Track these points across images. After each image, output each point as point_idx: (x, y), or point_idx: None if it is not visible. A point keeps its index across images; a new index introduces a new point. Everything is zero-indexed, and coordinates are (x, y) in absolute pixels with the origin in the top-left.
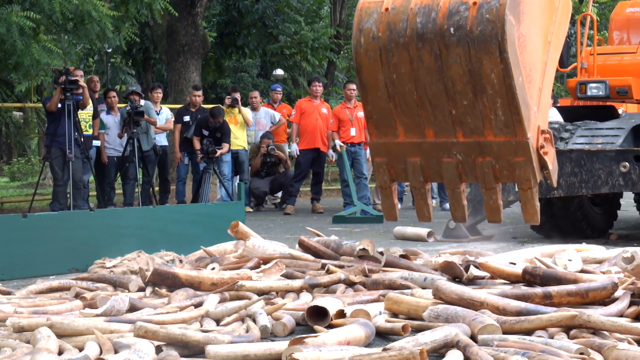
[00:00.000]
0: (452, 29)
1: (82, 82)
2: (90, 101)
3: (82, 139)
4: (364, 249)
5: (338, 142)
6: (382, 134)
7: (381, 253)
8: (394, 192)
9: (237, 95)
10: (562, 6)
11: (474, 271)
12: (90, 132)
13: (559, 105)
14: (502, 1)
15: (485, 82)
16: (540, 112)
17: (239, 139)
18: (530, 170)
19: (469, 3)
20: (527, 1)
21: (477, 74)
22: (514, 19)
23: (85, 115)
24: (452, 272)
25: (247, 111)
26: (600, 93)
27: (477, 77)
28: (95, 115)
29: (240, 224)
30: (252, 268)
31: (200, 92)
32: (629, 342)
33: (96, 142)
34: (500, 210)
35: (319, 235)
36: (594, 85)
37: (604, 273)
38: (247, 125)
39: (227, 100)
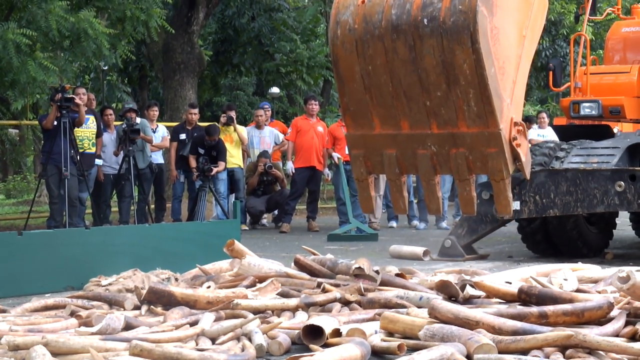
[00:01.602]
0: (425, 20)
1: (78, 100)
2: (91, 119)
3: (78, 157)
4: (359, 267)
5: (335, 155)
6: (358, 126)
7: (377, 272)
8: (371, 184)
9: (233, 114)
10: (538, 1)
11: (470, 290)
12: (93, 150)
13: (554, 124)
14: None
15: (458, 73)
16: (513, 105)
17: (235, 157)
18: (502, 162)
19: None
20: None
21: (450, 65)
22: (486, 11)
23: (88, 133)
24: (447, 291)
25: (242, 129)
26: (594, 112)
27: (450, 68)
28: (99, 134)
29: (236, 242)
30: (247, 286)
31: (196, 110)
32: None
33: (99, 162)
34: (474, 202)
35: (314, 254)
36: (587, 104)
37: (599, 292)
38: (242, 144)
39: (222, 119)
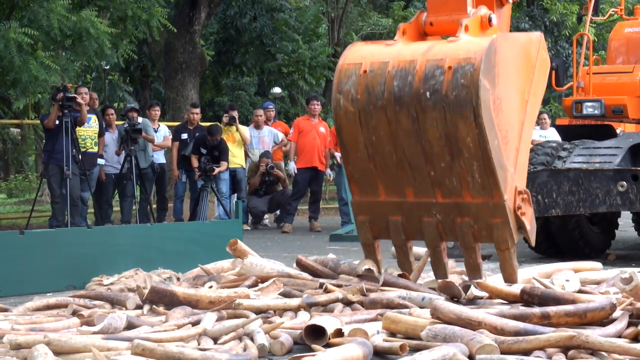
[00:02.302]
0: (428, 93)
1: (80, 99)
2: (93, 118)
3: (79, 156)
4: (369, 269)
5: (338, 155)
6: (363, 193)
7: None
8: (377, 248)
9: (235, 114)
10: (540, 64)
11: (473, 291)
12: (95, 149)
13: (557, 124)
14: (476, 66)
15: (462, 146)
16: (517, 173)
17: (237, 157)
18: (507, 232)
19: (444, 67)
20: (503, 63)
21: (454, 138)
22: (488, 83)
23: (91, 132)
24: (450, 291)
25: (244, 129)
26: (596, 112)
27: (453, 141)
28: (101, 133)
29: (239, 241)
30: (249, 286)
31: (198, 110)
32: None
33: (101, 161)
34: (480, 269)
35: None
36: (589, 104)
37: (602, 293)
38: (244, 144)
39: (225, 119)
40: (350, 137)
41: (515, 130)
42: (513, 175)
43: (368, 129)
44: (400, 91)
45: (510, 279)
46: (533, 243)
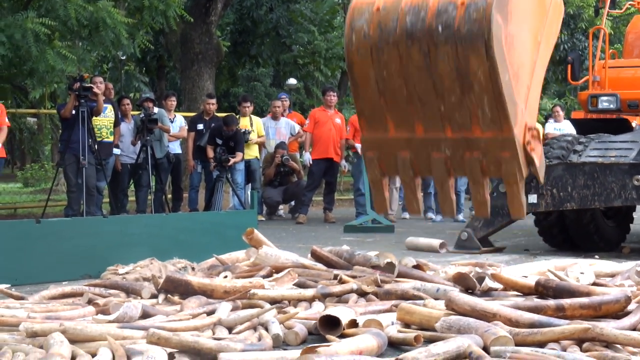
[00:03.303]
0: (440, 28)
1: (96, 89)
2: (109, 108)
3: (95, 146)
4: (391, 262)
5: (358, 145)
6: (373, 129)
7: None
8: (385, 186)
9: (249, 106)
10: (553, 8)
11: (488, 283)
12: (111, 139)
13: (572, 118)
14: (489, 1)
15: (472, 80)
16: (527, 110)
17: (251, 149)
18: (516, 166)
19: (457, 3)
20: (516, 1)
21: (464, 72)
22: (501, 19)
23: (106, 122)
24: (464, 283)
25: (259, 122)
26: (612, 106)
27: (464, 75)
28: (117, 123)
29: (256, 231)
30: (264, 277)
31: (214, 101)
32: None
33: (116, 151)
34: (488, 204)
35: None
36: (605, 98)
37: (617, 286)
38: (259, 138)
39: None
40: (361, 72)
41: (527, 68)
42: (523, 111)
43: (379, 65)
44: (413, 26)
45: (517, 214)
46: (542, 180)
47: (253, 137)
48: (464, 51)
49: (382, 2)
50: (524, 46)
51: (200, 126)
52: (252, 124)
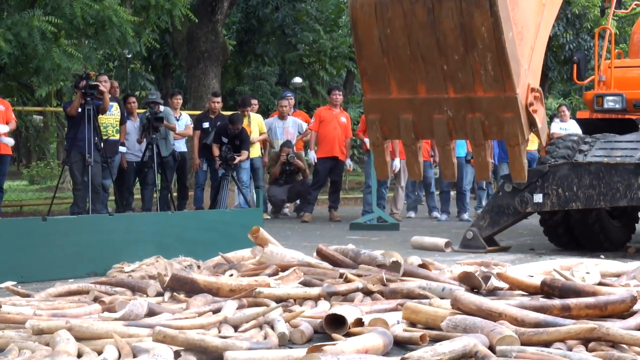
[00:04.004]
0: None
1: (102, 87)
2: (114, 106)
3: (101, 144)
4: (396, 261)
5: (367, 140)
6: (375, 90)
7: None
8: (386, 150)
9: (247, 110)
10: None
11: (494, 282)
12: (117, 137)
13: (577, 117)
14: None
15: (476, 36)
16: (531, 71)
17: (253, 147)
18: (518, 127)
19: None
20: None
21: (468, 28)
22: None
23: (112, 120)
24: (470, 282)
25: (259, 120)
26: (617, 106)
27: (467, 31)
28: (123, 121)
29: (261, 229)
30: (270, 275)
31: (219, 99)
32: None
33: (122, 149)
34: (489, 167)
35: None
36: (610, 98)
37: (623, 286)
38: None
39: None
40: (365, 30)
41: (531, 29)
42: (526, 72)
43: (383, 22)
44: None
45: (518, 176)
46: (544, 142)
47: (253, 136)
48: (468, 6)
49: None
50: (528, 6)
51: (206, 124)
52: (252, 122)
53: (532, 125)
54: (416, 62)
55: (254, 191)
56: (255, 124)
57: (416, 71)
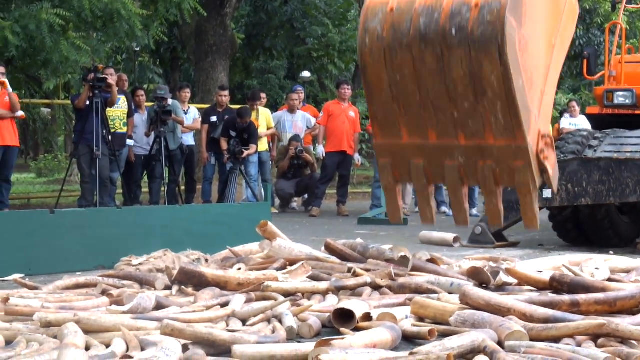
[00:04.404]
0: (453, 30)
1: (110, 80)
2: (122, 99)
3: (109, 137)
4: (405, 256)
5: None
6: (386, 135)
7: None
8: (399, 193)
9: (262, 100)
10: (568, 9)
11: (503, 277)
12: (124, 130)
13: (587, 113)
14: (502, 3)
15: (486, 85)
16: (541, 117)
17: (261, 141)
18: (529, 175)
19: (471, 4)
20: (530, 3)
21: (478, 76)
22: (515, 21)
23: (120, 113)
24: (479, 277)
25: (267, 114)
26: (627, 101)
27: (477, 80)
28: (130, 114)
29: (269, 223)
30: (278, 269)
31: (226, 92)
32: None
33: (130, 142)
34: (501, 213)
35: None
36: (620, 93)
37: (632, 282)
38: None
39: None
40: (375, 76)
41: (541, 73)
42: (537, 118)
43: (393, 68)
44: (426, 28)
45: (530, 224)
46: (555, 189)
47: (261, 131)
48: (477, 55)
49: (396, 2)
50: (538, 49)
51: (214, 118)
52: (260, 117)
53: (543, 172)
54: (426, 108)
55: (260, 185)
56: (263, 118)
57: (426, 117)
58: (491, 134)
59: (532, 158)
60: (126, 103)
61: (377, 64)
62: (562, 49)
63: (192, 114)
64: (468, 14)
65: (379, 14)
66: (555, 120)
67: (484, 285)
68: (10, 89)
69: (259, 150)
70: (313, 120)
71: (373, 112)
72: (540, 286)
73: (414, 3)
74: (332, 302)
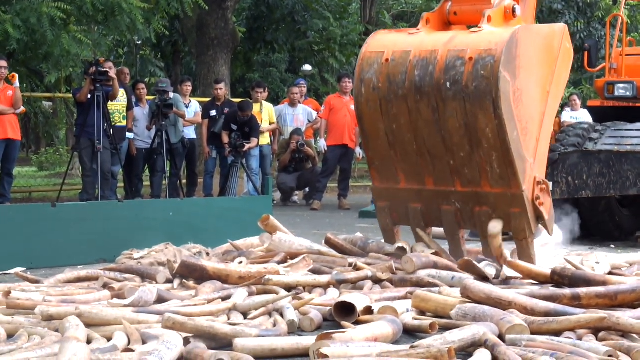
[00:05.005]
0: (448, 84)
1: (112, 74)
2: (120, 92)
3: (111, 130)
4: (402, 247)
5: None
6: (384, 180)
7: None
8: (397, 234)
9: (262, 92)
10: (562, 54)
11: (505, 271)
12: (124, 123)
13: (588, 105)
14: (496, 58)
15: (481, 136)
16: (536, 163)
17: (262, 135)
18: (525, 221)
19: (465, 58)
20: (524, 55)
21: (473, 128)
22: (509, 75)
23: (119, 106)
24: (472, 271)
25: (270, 108)
26: (628, 94)
27: (472, 131)
28: (130, 107)
29: (271, 217)
30: (279, 263)
31: (222, 85)
32: None
33: (130, 135)
34: (502, 252)
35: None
36: (621, 85)
37: (633, 276)
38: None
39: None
40: (371, 124)
41: (536, 121)
42: (532, 166)
43: (389, 117)
44: (421, 81)
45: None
46: (551, 233)
47: (264, 126)
48: (472, 108)
49: (391, 53)
50: (532, 99)
51: (213, 112)
52: (263, 110)
53: (539, 218)
54: (423, 156)
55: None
56: (266, 113)
57: (423, 165)
58: (487, 182)
59: (527, 205)
60: (125, 97)
61: (374, 114)
62: (557, 95)
63: (193, 108)
64: (462, 67)
65: (374, 65)
66: (556, 114)
67: (484, 279)
68: (17, 84)
69: (261, 143)
70: (314, 114)
71: (370, 158)
72: (541, 279)
73: (408, 54)
74: (333, 296)
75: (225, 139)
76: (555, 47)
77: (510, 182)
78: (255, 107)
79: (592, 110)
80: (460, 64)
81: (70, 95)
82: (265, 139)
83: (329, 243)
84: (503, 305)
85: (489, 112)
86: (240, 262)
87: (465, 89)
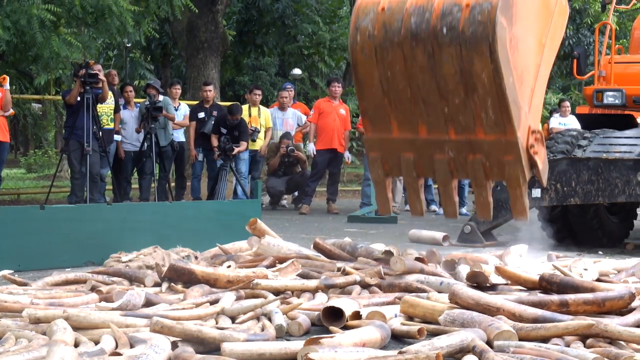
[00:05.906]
0: (444, 29)
1: (101, 76)
2: (109, 95)
3: (100, 133)
4: (388, 251)
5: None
6: (376, 130)
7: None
8: (388, 186)
9: (259, 94)
10: (558, 10)
11: (493, 278)
12: (111, 126)
13: (577, 113)
14: (493, 3)
15: (476, 82)
16: (531, 113)
17: (259, 139)
18: (519, 169)
19: (462, 5)
20: (521, 4)
21: (468, 74)
22: (505, 21)
23: (106, 109)
24: (476, 280)
25: (267, 113)
26: (617, 101)
27: (468, 77)
28: (117, 109)
29: (259, 221)
30: (267, 267)
31: (210, 87)
32: None
33: (117, 137)
34: (490, 207)
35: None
36: (610, 93)
37: (621, 282)
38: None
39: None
40: (366, 72)
41: (531, 71)
42: (527, 114)
43: (384, 65)
44: (417, 27)
45: (520, 215)
46: (545, 183)
47: (260, 136)
48: (468, 53)
49: (387, 2)
50: (528, 49)
51: (202, 114)
52: (261, 115)
53: (533, 166)
54: (417, 104)
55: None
56: (263, 118)
57: (417, 113)
58: (481, 129)
59: (522, 152)
60: (113, 99)
61: (368, 61)
62: (553, 49)
63: (182, 111)
64: (459, 13)
65: (370, 14)
66: (545, 120)
67: (474, 285)
68: (8, 86)
69: (253, 148)
70: (304, 118)
71: (364, 108)
72: (529, 286)
73: (405, 3)
74: (322, 300)
75: (215, 142)
76: (552, 1)
77: (505, 128)
78: (253, 111)
79: (580, 118)
80: (457, 10)
81: (60, 98)
82: (258, 144)
83: (317, 247)
84: (491, 311)
85: (485, 56)
86: (229, 266)
87: (462, 34)
